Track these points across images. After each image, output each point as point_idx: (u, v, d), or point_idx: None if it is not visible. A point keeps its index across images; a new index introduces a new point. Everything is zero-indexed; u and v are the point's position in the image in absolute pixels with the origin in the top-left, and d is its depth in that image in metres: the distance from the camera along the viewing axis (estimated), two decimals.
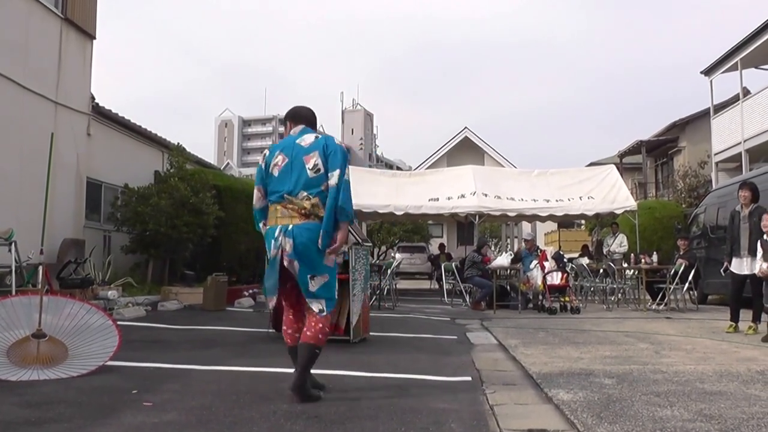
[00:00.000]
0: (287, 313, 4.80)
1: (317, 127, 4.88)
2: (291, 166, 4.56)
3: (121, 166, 15.12)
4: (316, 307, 4.51)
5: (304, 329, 4.52)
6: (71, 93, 12.47)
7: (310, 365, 4.48)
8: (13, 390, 4.63)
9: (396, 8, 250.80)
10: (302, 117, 4.85)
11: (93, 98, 13.57)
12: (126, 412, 4.06)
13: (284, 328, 4.80)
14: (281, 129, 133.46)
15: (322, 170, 4.49)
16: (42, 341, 5.30)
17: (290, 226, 4.45)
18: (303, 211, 4.45)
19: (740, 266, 9.00)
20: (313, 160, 4.51)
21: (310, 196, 4.47)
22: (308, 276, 4.45)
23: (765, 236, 8.39)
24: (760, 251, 8.43)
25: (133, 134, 16.00)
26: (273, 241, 4.50)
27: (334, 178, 4.45)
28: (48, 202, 10.47)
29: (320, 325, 4.48)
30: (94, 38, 13.41)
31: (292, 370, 5.01)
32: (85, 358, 5.36)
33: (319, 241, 4.41)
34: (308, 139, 4.63)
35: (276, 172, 4.62)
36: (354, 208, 13.67)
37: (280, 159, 4.63)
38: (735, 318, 9.09)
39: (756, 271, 8.50)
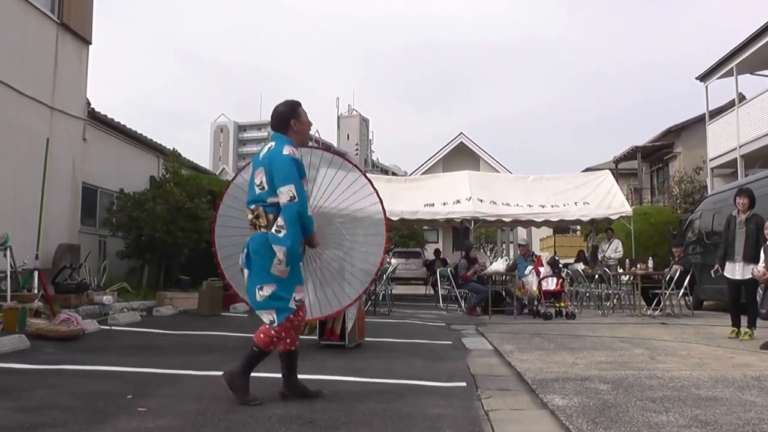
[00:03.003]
0: None
1: (290, 126, 4.77)
2: (251, 178, 4.68)
3: (117, 172, 15.10)
4: (266, 318, 4.54)
5: None
6: (67, 98, 12.44)
7: (249, 361, 4.55)
8: (8, 395, 4.61)
9: (393, 9, 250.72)
10: (272, 120, 4.84)
11: (89, 103, 13.54)
12: (120, 417, 4.04)
13: None
14: None
15: (267, 187, 4.50)
16: None
17: (248, 239, 4.58)
18: (250, 223, 4.58)
19: (733, 271, 9.02)
20: (260, 176, 4.56)
21: (258, 206, 4.52)
22: (256, 286, 4.49)
23: None
24: (762, 256, 8.45)
25: (129, 139, 15.99)
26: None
27: (281, 197, 4.45)
28: (43, 207, 10.49)
29: (267, 327, 4.53)
30: (90, 43, 13.38)
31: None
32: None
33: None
34: (264, 150, 4.67)
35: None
36: None
37: (250, 170, 4.78)
38: (736, 324, 9.11)
39: (752, 274, 8.51)
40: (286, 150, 4.52)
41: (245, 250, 4.53)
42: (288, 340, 4.58)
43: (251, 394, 4.50)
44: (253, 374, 5.49)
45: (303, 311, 4.68)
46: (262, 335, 4.49)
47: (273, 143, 4.65)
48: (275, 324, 4.48)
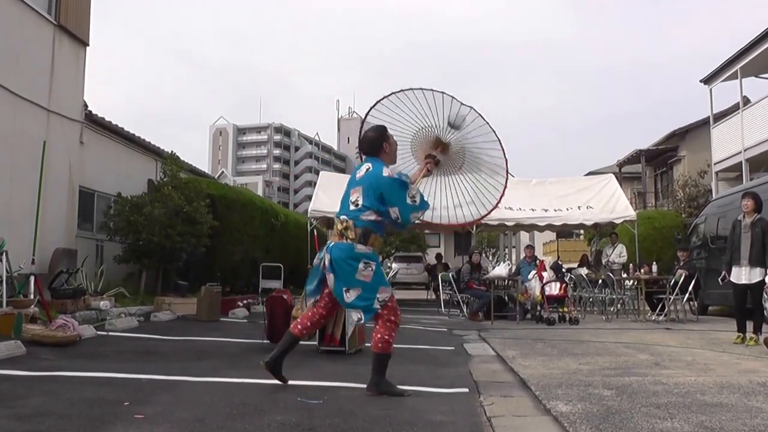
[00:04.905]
0: (310, 309, 5.40)
1: (382, 148, 5.29)
2: (345, 194, 5.21)
3: (114, 175, 15.07)
4: (355, 316, 5.12)
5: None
6: (64, 101, 12.38)
7: (378, 368, 5.10)
8: (4, 402, 4.56)
9: (392, 10, 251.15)
10: (363, 144, 5.38)
11: (86, 106, 13.50)
12: (117, 425, 3.99)
13: (300, 317, 5.43)
14: (276, 137, 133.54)
15: (360, 205, 5.04)
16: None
17: (332, 244, 5.10)
18: (338, 232, 5.09)
19: (739, 275, 8.99)
20: (355, 195, 5.09)
21: (347, 219, 5.04)
22: (343, 289, 5.00)
23: None
24: None
25: (127, 142, 15.97)
26: (319, 253, 5.21)
27: (394, 213, 5.06)
28: (40, 212, 10.41)
29: (378, 336, 5.07)
30: (88, 45, 13.32)
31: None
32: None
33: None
34: (362, 171, 5.19)
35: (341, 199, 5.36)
36: None
37: (344, 188, 5.32)
38: (742, 329, 9.04)
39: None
40: (385, 172, 5.07)
41: (328, 256, 5.03)
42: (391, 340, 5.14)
43: (399, 387, 5.15)
44: (251, 380, 5.44)
45: (395, 311, 5.23)
46: (380, 344, 5.05)
47: (370, 165, 5.17)
48: (362, 322, 5.14)
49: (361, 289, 4.98)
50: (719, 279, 9.57)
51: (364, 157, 5.33)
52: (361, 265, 4.95)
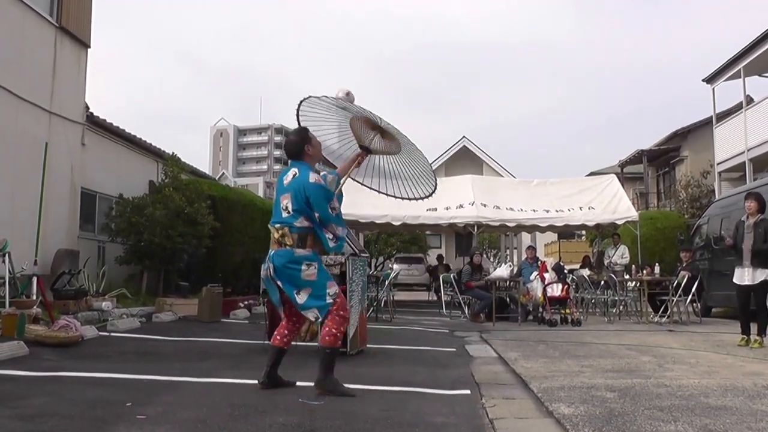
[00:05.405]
0: (284, 320, 5.35)
1: (305, 151, 5.34)
2: (276, 201, 5.28)
3: (116, 176, 15.06)
4: (311, 316, 5.08)
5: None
6: (65, 102, 12.37)
7: (325, 364, 5.07)
8: (6, 402, 4.56)
9: (393, 12, 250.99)
10: (286, 151, 5.47)
11: (87, 108, 13.49)
12: (119, 425, 3.99)
13: (276, 330, 5.41)
14: (277, 138, 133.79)
15: (291, 212, 5.10)
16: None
17: (272, 252, 5.15)
18: (275, 240, 5.14)
19: (741, 276, 8.94)
20: (285, 201, 5.15)
21: (282, 226, 5.12)
22: (293, 292, 5.06)
23: None
24: None
25: (128, 144, 15.96)
26: (263, 263, 5.23)
27: (317, 217, 5.12)
28: (42, 213, 10.40)
29: (326, 329, 5.05)
30: (89, 47, 13.31)
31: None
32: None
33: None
34: (288, 177, 5.24)
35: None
36: (352, 218, 13.85)
37: (275, 194, 5.38)
38: (746, 331, 9.00)
39: None
40: (312, 178, 5.12)
41: (271, 265, 5.09)
42: (339, 334, 5.12)
43: (347, 387, 5.09)
44: (252, 380, 5.43)
45: (343, 305, 5.18)
46: (327, 337, 5.04)
47: (296, 170, 5.21)
48: (320, 320, 5.08)
49: (310, 288, 5.05)
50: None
51: (289, 161, 5.41)
52: (303, 266, 5.03)
